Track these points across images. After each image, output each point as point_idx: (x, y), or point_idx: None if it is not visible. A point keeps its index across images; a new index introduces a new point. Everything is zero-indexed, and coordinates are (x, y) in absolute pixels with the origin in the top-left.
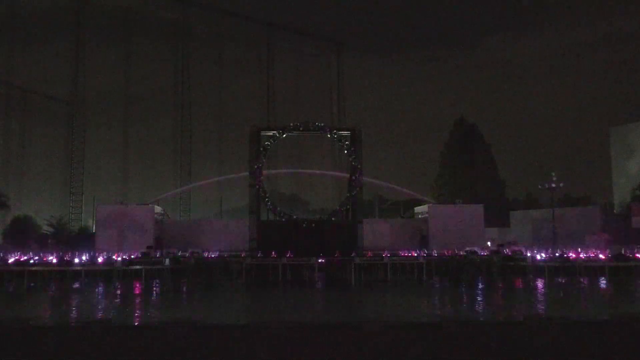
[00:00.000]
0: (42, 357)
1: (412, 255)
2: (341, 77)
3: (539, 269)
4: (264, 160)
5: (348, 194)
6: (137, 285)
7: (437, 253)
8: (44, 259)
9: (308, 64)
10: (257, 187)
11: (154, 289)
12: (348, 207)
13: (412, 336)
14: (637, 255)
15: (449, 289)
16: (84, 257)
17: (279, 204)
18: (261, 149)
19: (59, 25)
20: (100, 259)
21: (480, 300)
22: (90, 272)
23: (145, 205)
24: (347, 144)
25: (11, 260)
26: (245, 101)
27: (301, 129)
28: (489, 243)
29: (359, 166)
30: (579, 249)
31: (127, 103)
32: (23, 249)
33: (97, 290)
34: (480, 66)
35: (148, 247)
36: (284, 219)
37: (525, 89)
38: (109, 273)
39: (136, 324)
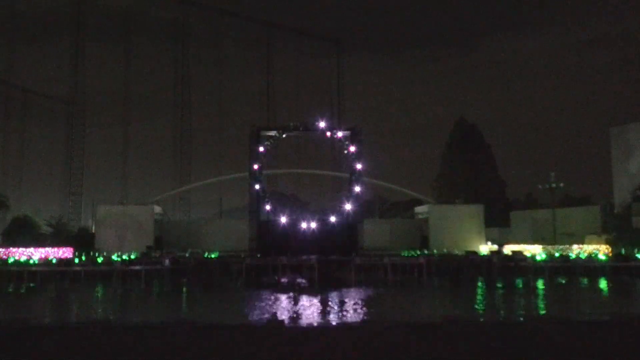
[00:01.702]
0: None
1: (412, 255)
2: (341, 77)
3: (539, 269)
4: (264, 160)
5: (348, 194)
6: (137, 285)
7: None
8: (44, 259)
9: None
10: (257, 187)
11: (154, 289)
12: (348, 207)
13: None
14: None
15: (449, 289)
16: (83, 257)
17: (279, 204)
18: (261, 149)
19: (59, 25)
20: (99, 259)
21: (480, 301)
22: (90, 273)
23: (145, 205)
24: (347, 144)
25: (11, 260)
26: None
27: (301, 129)
28: (489, 243)
29: (359, 166)
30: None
31: (127, 103)
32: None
33: (96, 290)
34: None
35: (148, 247)
36: (283, 219)
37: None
38: (108, 273)
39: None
